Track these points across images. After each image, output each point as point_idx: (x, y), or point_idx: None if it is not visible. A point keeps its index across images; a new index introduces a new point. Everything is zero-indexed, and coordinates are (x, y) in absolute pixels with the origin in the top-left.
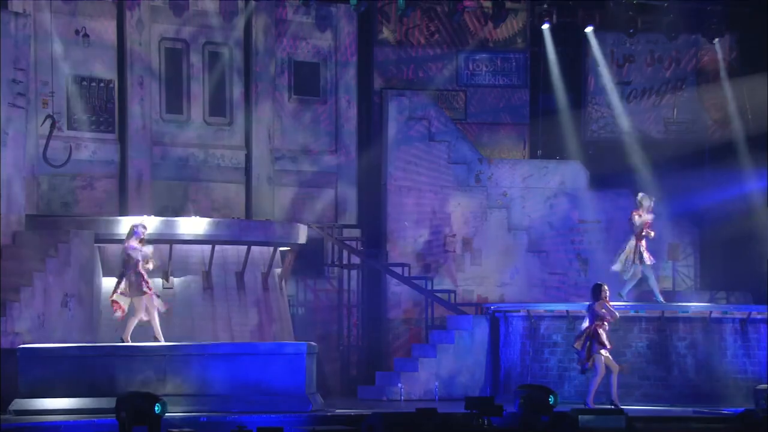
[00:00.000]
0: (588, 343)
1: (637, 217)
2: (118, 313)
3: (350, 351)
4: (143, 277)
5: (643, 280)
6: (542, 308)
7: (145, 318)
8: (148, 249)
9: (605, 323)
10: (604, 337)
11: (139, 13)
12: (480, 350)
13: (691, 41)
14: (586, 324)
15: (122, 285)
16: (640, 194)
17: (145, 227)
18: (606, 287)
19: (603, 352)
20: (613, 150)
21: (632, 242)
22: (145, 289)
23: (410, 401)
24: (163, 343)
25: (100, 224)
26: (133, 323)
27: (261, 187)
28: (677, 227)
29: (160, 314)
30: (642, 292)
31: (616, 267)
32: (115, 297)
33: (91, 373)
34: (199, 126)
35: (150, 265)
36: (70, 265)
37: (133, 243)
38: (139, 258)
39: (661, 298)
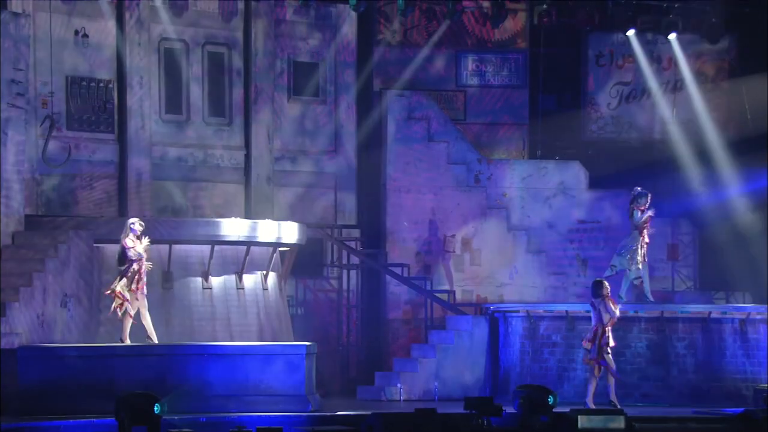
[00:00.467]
0: (598, 342)
1: (639, 212)
2: (115, 304)
3: (349, 351)
4: (140, 276)
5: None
6: (541, 308)
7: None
8: (145, 246)
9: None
10: (611, 336)
11: (139, 13)
12: (479, 350)
13: (690, 41)
14: (594, 322)
15: (125, 280)
16: (638, 189)
17: (141, 224)
18: (607, 284)
19: (608, 352)
20: (613, 150)
21: (638, 240)
22: (137, 288)
23: (410, 401)
24: (156, 343)
25: (99, 224)
26: (130, 322)
27: (260, 188)
28: (676, 227)
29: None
30: (636, 293)
31: (622, 266)
32: (119, 287)
33: (90, 374)
34: (199, 126)
35: (147, 264)
36: (69, 266)
37: (130, 240)
38: (135, 256)
39: (651, 298)
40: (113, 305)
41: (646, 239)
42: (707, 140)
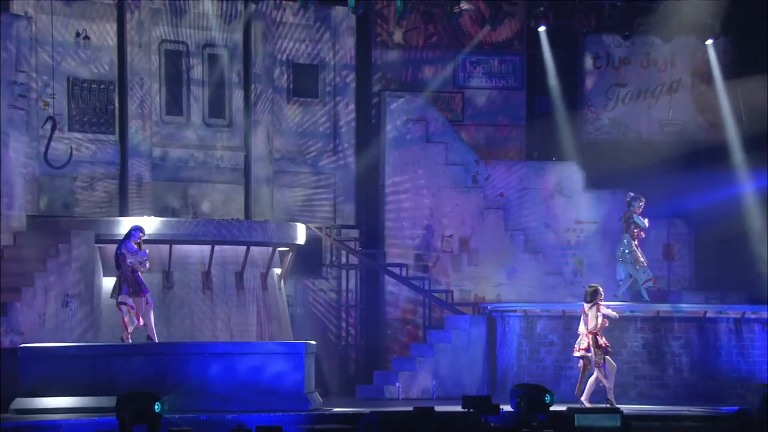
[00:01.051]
0: (596, 345)
1: (639, 216)
2: (130, 315)
3: (348, 350)
4: (139, 278)
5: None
6: (539, 308)
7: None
8: (145, 252)
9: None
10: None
11: (139, 15)
12: (477, 350)
13: (686, 43)
14: (582, 328)
15: (125, 285)
16: (631, 194)
17: (143, 232)
18: (601, 290)
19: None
20: (609, 151)
21: (632, 243)
22: (139, 291)
23: (408, 400)
24: (156, 342)
25: (100, 225)
26: (134, 323)
27: (260, 188)
28: (672, 228)
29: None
30: (633, 293)
31: (630, 274)
32: (121, 298)
33: (91, 373)
34: (199, 127)
35: (145, 267)
36: (70, 266)
37: (130, 244)
38: (134, 259)
39: (647, 297)
40: (124, 318)
41: (636, 241)
42: (702, 141)
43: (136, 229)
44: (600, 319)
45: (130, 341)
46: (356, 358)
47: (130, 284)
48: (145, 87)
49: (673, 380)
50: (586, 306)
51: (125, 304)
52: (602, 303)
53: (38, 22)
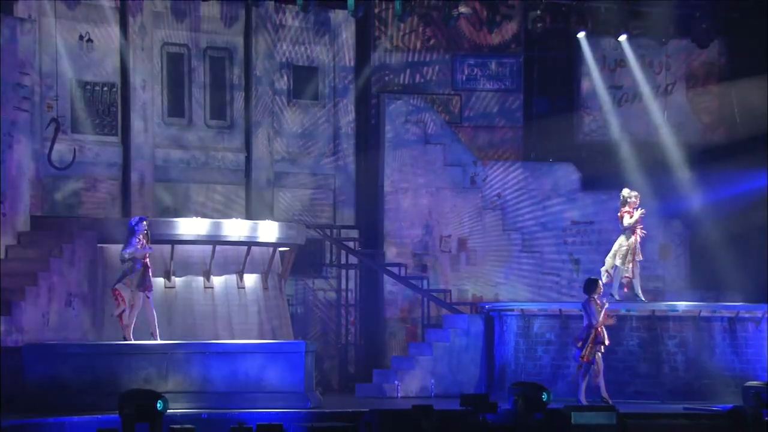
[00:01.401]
0: (591, 343)
1: (628, 216)
2: (122, 307)
3: (348, 349)
4: (149, 274)
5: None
6: (536, 307)
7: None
8: (149, 248)
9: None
10: (605, 334)
11: (142, 18)
12: (475, 348)
13: (681, 46)
14: (584, 322)
15: (130, 277)
16: (626, 190)
17: (147, 221)
18: (600, 284)
19: (601, 351)
20: (605, 152)
21: (630, 240)
22: (143, 286)
23: (407, 398)
24: (158, 341)
25: (103, 225)
26: (133, 320)
27: (261, 189)
28: (668, 228)
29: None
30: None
31: (613, 265)
32: (117, 286)
33: (94, 371)
34: (200, 129)
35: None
36: (74, 266)
37: (134, 240)
38: (139, 252)
39: (642, 297)
40: (118, 311)
41: (638, 238)
42: (697, 143)
43: (138, 223)
44: (602, 312)
45: (132, 340)
46: (356, 356)
47: (137, 278)
48: (147, 89)
49: (668, 378)
50: (584, 301)
51: (120, 295)
52: (604, 301)
53: (42, 26)
